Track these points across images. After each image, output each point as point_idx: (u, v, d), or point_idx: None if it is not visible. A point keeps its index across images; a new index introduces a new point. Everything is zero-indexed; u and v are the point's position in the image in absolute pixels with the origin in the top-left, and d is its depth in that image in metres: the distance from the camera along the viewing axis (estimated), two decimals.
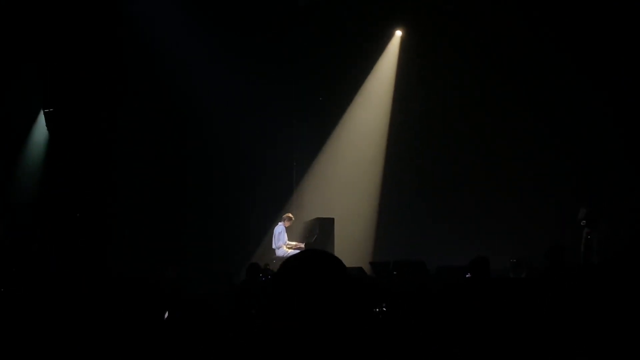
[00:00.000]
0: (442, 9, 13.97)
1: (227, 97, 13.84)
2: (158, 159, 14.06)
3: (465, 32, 14.03)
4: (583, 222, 12.02)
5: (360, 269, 9.95)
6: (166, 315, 4.21)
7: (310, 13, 14.27)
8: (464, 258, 8.91)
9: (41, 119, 14.02)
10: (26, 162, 14.57)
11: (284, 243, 14.10)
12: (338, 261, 2.32)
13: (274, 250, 14.21)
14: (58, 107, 13.37)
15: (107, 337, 3.76)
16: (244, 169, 14.50)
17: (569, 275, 6.87)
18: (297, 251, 12.43)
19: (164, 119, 14.09)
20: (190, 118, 14.08)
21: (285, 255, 13.44)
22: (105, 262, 12.65)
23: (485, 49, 14.04)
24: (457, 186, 14.55)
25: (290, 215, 14.38)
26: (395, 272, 9.87)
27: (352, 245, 14.15)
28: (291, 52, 14.62)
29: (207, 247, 13.59)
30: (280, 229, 14.21)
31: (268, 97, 14.43)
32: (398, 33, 15.34)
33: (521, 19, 13.31)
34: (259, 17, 14.09)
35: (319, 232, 14.08)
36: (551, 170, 13.81)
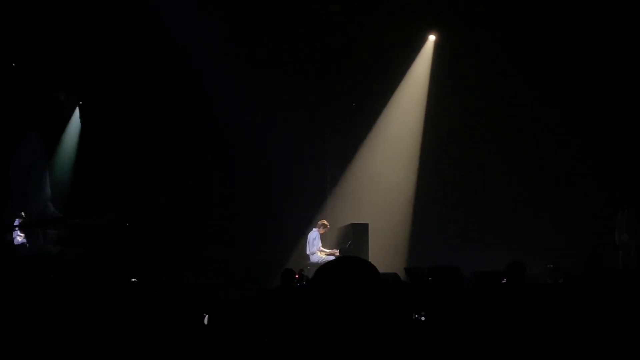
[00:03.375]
0: (475, 13, 13.87)
1: (259, 104, 13.88)
2: (192, 166, 14.15)
3: (498, 36, 13.91)
4: (621, 228, 11.88)
5: (395, 275, 9.91)
6: (206, 320, 4.23)
7: (341, 19, 14.26)
8: (499, 263, 8.83)
9: (76, 113, 14.21)
10: (61, 158, 14.78)
11: (317, 249, 14.11)
12: (372, 267, 2.32)
13: (308, 256, 14.23)
14: (89, 103, 13.53)
15: (139, 342, 3.79)
16: (279, 176, 14.51)
17: (607, 281, 6.77)
18: (332, 257, 12.48)
19: (195, 127, 14.18)
20: (223, 126, 14.12)
21: (319, 261, 13.44)
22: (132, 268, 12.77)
23: (520, 53, 13.91)
24: (492, 191, 14.42)
25: (325, 222, 14.38)
26: (430, 278, 9.81)
27: (386, 251, 14.10)
28: (323, 58, 14.62)
29: (241, 254, 13.62)
30: (314, 235, 14.22)
31: (301, 103, 14.45)
32: (431, 38, 15.23)
33: (553, 22, 13.17)
34: (290, 25, 14.11)
35: (354, 237, 14.06)
36: (588, 175, 13.65)
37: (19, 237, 14.56)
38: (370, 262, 2.35)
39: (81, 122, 13.77)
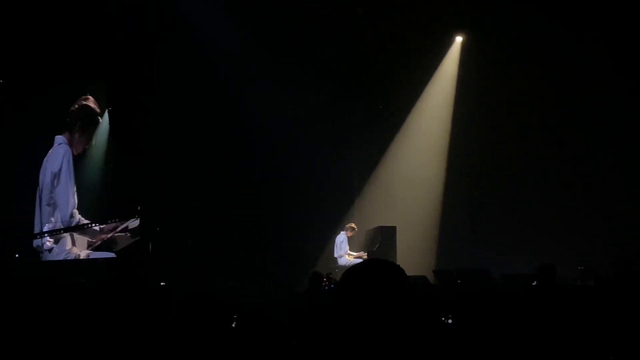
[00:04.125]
0: (502, 13, 13.77)
1: (286, 106, 13.89)
2: (220, 169, 14.21)
3: (525, 36, 13.81)
4: None
5: (423, 278, 9.87)
6: (234, 324, 4.23)
7: (369, 21, 14.24)
8: (529, 265, 8.76)
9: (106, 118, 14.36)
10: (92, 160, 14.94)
11: (345, 252, 14.12)
12: (400, 270, 2.30)
13: (335, 259, 14.23)
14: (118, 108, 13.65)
15: (166, 345, 3.80)
16: (306, 179, 14.52)
17: (637, 283, 6.68)
18: (360, 260, 12.46)
19: (222, 131, 14.24)
20: (250, 130, 14.17)
21: (347, 264, 13.44)
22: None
23: (547, 54, 13.79)
24: (520, 192, 14.29)
25: (353, 225, 14.39)
26: (459, 281, 9.76)
27: (414, 254, 14.04)
28: (350, 60, 14.62)
29: (269, 256, 13.65)
30: (342, 238, 14.23)
31: (327, 106, 14.45)
32: (458, 39, 15.15)
33: (582, 23, 13.04)
34: (317, 28, 14.12)
35: (381, 240, 14.04)
36: (615, 175, 13.49)
37: (49, 242, 14.76)
38: (397, 265, 2.34)
39: (110, 127, 13.89)
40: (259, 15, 13.72)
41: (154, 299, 3.64)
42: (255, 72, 13.63)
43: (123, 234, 14.17)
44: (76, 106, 15.11)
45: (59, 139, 15.06)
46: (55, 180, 14.84)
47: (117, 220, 14.21)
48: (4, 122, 14.79)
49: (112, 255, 14.13)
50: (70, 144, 14.98)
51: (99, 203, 14.63)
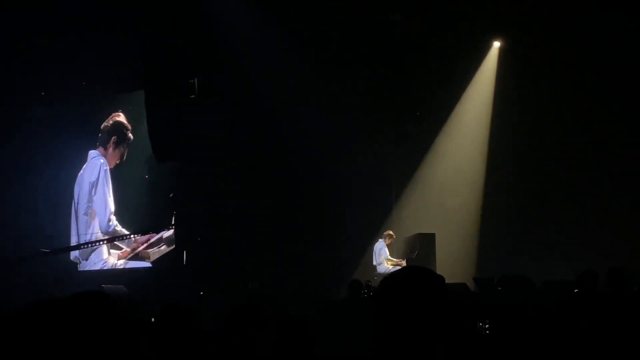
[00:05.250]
0: (541, 18, 13.64)
1: (324, 114, 13.89)
2: (258, 178, 14.26)
3: (564, 40, 13.64)
4: None
5: (463, 285, 9.80)
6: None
7: (404, 27, 14.21)
8: (570, 272, 8.64)
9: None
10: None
11: (385, 259, 14.09)
12: (439, 278, 2.30)
13: (374, 266, 14.21)
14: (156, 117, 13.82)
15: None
16: (345, 186, 14.52)
17: None
18: (399, 268, 12.41)
19: (260, 139, 14.28)
20: (288, 138, 14.20)
21: (386, 271, 13.41)
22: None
23: (587, 58, 13.60)
24: (561, 198, 14.11)
25: (391, 232, 14.36)
26: (500, 288, 9.65)
27: (454, 261, 13.95)
28: (386, 67, 14.59)
29: (308, 264, 13.66)
30: (380, 246, 14.22)
31: (365, 113, 14.43)
32: (496, 44, 15.02)
33: (621, 25, 12.84)
34: (351, 35, 14.12)
35: (420, 247, 13.98)
36: None
37: (85, 252, 15.06)
38: (435, 272, 2.34)
39: (150, 136, 14.07)
40: (293, 22, 13.77)
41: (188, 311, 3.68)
42: (292, 80, 13.63)
43: (157, 248, 14.36)
44: (109, 122, 15.44)
45: (93, 153, 15.41)
46: (93, 190, 15.15)
47: (151, 232, 14.43)
48: (39, 136, 15.16)
49: (148, 265, 14.32)
50: (105, 157, 15.32)
51: (134, 214, 14.87)
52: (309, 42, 13.76)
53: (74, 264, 15.14)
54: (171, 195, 14.18)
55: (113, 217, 14.89)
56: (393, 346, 2.18)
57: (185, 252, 13.70)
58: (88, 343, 1.78)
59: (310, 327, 4.75)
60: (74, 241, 15.24)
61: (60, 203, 15.49)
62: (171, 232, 14.17)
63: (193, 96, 13.63)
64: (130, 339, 1.88)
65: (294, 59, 13.45)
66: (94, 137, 15.52)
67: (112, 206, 14.99)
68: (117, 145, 15.27)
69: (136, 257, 14.54)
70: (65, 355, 1.75)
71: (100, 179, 15.12)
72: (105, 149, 15.34)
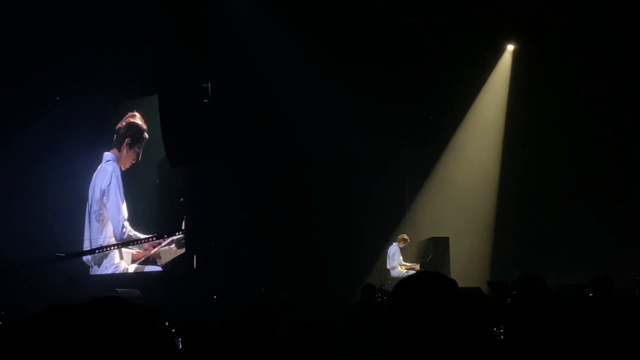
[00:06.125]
0: (554, 21, 13.59)
1: (336, 118, 13.90)
2: (272, 182, 14.29)
3: (579, 44, 13.58)
4: None
5: (477, 289, 9.77)
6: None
7: (414, 31, 14.20)
8: (586, 276, 8.60)
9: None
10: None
11: (398, 263, 14.07)
12: (452, 283, 2.31)
13: (388, 270, 14.19)
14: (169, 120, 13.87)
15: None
16: (358, 190, 14.51)
17: None
18: (412, 272, 12.42)
19: (273, 143, 14.31)
20: (301, 142, 14.21)
21: (400, 275, 13.39)
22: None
23: (601, 61, 13.53)
24: (575, 201, 14.03)
25: (405, 236, 14.33)
26: (514, 292, 9.62)
27: (468, 265, 13.91)
28: (399, 71, 14.58)
29: (320, 269, 13.66)
30: (394, 250, 14.20)
31: (378, 117, 14.42)
32: (510, 47, 14.98)
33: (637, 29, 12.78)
34: (365, 39, 14.13)
35: (434, 251, 13.94)
36: None
37: (97, 257, 15.15)
38: (449, 277, 2.35)
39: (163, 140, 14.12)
40: (307, 26, 13.79)
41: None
42: (305, 83, 13.64)
43: (168, 247, 14.41)
44: (124, 123, 15.48)
45: (108, 155, 15.46)
46: (105, 197, 15.23)
47: (165, 236, 14.47)
48: (53, 138, 15.25)
49: (158, 269, 14.37)
50: (119, 159, 15.35)
51: (146, 217, 14.93)
52: (322, 45, 13.77)
53: (87, 268, 15.22)
54: (182, 199, 14.23)
55: (127, 224, 14.95)
56: (407, 351, 2.19)
57: (195, 256, 13.73)
58: (110, 349, 1.79)
59: (327, 332, 4.76)
60: (86, 246, 15.31)
61: (74, 205, 15.57)
62: (182, 235, 14.22)
63: (207, 100, 13.65)
64: (153, 345, 1.89)
65: (307, 62, 13.47)
66: (109, 138, 15.59)
67: (125, 213, 15.05)
68: (131, 146, 15.32)
69: (147, 261, 14.60)
70: None
71: (112, 186, 15.18)
72: (120, 150, 15.41)
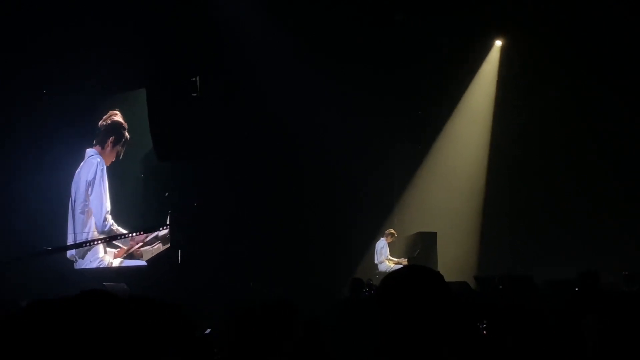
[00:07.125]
0: (544, 16, 13.62)
1: (326, 114, 13.88)
2: (260, 176, 14.24)
3: (567, 39, 13.63)
4: None
5: (464, 284, 9.80)
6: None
7: (406, 27, 14.21)
8: (572, 271, 8.65)
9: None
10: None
11: (386, 257, 14.11)
12: (439, 276, 2.31)
13: (376, 265, 14.23)
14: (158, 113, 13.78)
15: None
16: (346, 185, 14.51)
17: None
18: (400, 266, 12.44)
19: (263, 137, 14.25)
20: (291, 137, 14.17)
21: (387, 270, 13.42)
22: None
23: (590, 56, 13.59)
24: (563, 196, 14.10)
25: (392, 231, 14.37)
26: (501, 287, 9.67)
27: (456, 259, 13.95)
28: (388, 67, 14.58)
29: (308, 263, 13.65)
30: (382, 244, 14.23)
31: (366, 112, 14.41)
32: (498, 43, 15.01)
33: (626, 23, 12.83)
34: (355, 35, 14.11)
35: (421, 246, 13.99)
36: None
37: (81, 250, 15.07)
38: (436, 271, 2.35)
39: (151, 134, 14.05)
40: (297, 21, 13.75)
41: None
42: (293, 79, 13.60)
43: (150, 246, 14.37)
44: (107, 121, 15.43)
45: (90, 151, 15.41)
46: (90, 189, 15.18)
47: (149, 230, 14.42)
48: (36, 134, 15.15)
49: (143, 263, 14.32)
50: (102, 155, 15.32)
51: (130, 212, 14.87)
52: (312, 41, 13.74)
53: (71, 262, 15.15)
54: (166, 194, 14.17)
55: (109, 217, 14.90)
56: (396, 345, 2.20)
57: (180, 251, 13.67)
58: (97, 343, 1.78)
59: (320, 328, 4.76)
60: (70, 240, 15.23)
61: (57, 201, 15.47)
62: (166, 231, 14.16)
63: (195, 94, 13.60)
64: (140, 338, 1.88)
65: (296, 57, 13.43)
66: (91, 135, 15.51)
67: (108, 205, 15.00)
68: (114, 144, 15.28)
69: (131, 256, 14.56)
70: (74, 356, 1.75)
71: (97, 178, 15.12)
72: (103, 147, 15.35)
